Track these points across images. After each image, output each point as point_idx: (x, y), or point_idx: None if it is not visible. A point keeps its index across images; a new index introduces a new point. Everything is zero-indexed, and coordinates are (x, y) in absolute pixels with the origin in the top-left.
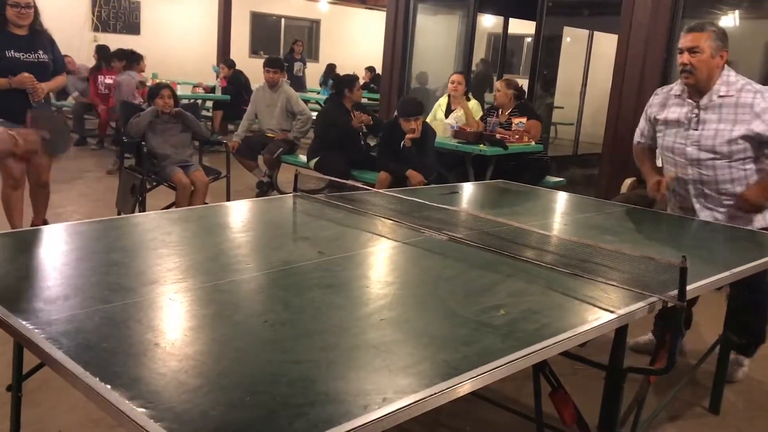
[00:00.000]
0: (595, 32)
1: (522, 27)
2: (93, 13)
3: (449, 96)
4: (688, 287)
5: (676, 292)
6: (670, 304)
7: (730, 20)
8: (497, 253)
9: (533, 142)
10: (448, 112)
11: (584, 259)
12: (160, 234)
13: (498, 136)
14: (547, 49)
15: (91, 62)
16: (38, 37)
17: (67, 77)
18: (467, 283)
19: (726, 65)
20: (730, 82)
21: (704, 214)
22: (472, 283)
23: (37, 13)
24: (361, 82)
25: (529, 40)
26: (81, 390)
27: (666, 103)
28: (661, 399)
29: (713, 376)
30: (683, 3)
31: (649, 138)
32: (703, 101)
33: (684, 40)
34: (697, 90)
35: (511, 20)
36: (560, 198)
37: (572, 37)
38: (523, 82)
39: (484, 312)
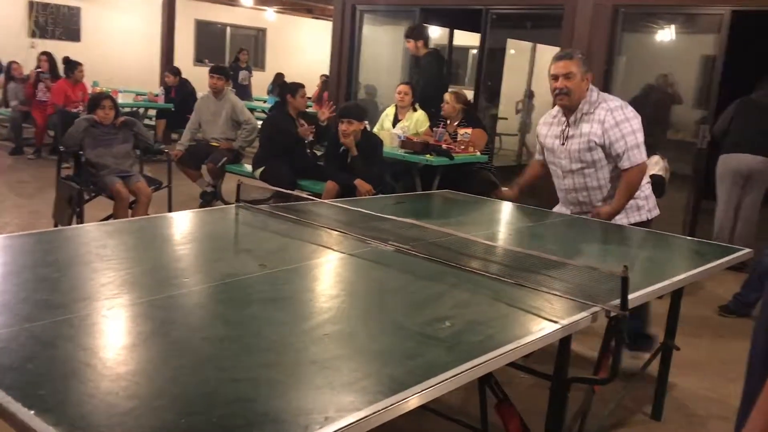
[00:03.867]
0: (538, 44)
1: (467, 39)
2: (30, 18)
3: (396, 106)
4: (630, 296)
5: (618, 301)
6: (612, 314)
7: (666, 34)
8: (443, 264)
9: (478, 152)
10: (396, 122)
11: (529, 269)
12: (95, 247)
13: (444, 146)
14: (491, 61)
15: (29, 69)
16: None
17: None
18: (413, 294)
19: (591, 85)
20: (591, 100)
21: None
22: (418, 295)
23: None
24: (315, 90)
25: (474, 51)
26: (2, 416)
27: (550, 124)
28: (604, 406)
29: (654, 383)
30: (621, 17)
31: (542, 154)
32: (571, 118)
33: (557, 68)
34: (570, 109)
35: (456, 32)
36: (504, 208)
37: (516, 49)
38: (468, 93)
39: (429, 324)
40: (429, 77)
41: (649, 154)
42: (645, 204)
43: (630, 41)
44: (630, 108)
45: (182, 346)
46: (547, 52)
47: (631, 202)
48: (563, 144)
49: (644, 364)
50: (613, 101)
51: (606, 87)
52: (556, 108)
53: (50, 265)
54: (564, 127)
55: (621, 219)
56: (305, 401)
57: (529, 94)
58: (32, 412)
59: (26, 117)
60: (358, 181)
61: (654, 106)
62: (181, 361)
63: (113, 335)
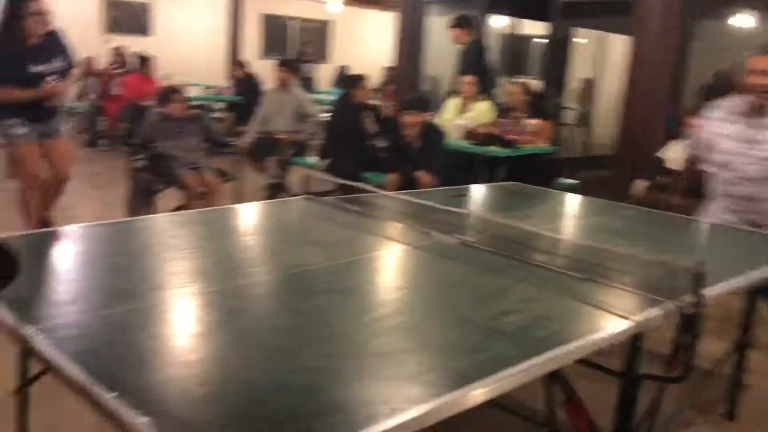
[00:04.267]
0: (607, 33)
1: (533, 28)
2: (104, 14)
3: (461, 97)
4: (705, 292)
5: (692, 297)
6: (686, 310)
7: (743, 20)
8: (508, 258)
9: (545, 144)
10: (460, 113)
11: (597, 263)
12: (166, 237)
13: (509, 137)
14: (558, 50)
15: (105, 64)
16: (52, 42)
17: (86, 79)
18: (477, 287)
19: None
20: None
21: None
22: (483, 288)
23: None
24: (381, 81)
25: (540, 40)
26: (83, 397)
27: (723, 121)
28: (674, 404)
29: (728, 381)
30: (696, 4)
31: (701, 149)
32: (766, 120)
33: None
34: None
35: (523, 21)
36: (571, 200)
37: (583, 38)
38: (534, 83)
39: (495, 318)
40: (467, 66)
41: None
42: None
43: (704, 28)
44: None
45: (250, 335)
46: (615, 41)
47: None
48: (751, 148)
49: (718, 361)
50: None
51: (677, 78)
52: (728, 104)
53: (124, 255)
54: (749, 128)
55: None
56: (370, 392)
57: (594, 85)
58: (112, 395)
59: (100, 110)
60: (419, 174)
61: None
62: (250, 350)
63: (184, 323)
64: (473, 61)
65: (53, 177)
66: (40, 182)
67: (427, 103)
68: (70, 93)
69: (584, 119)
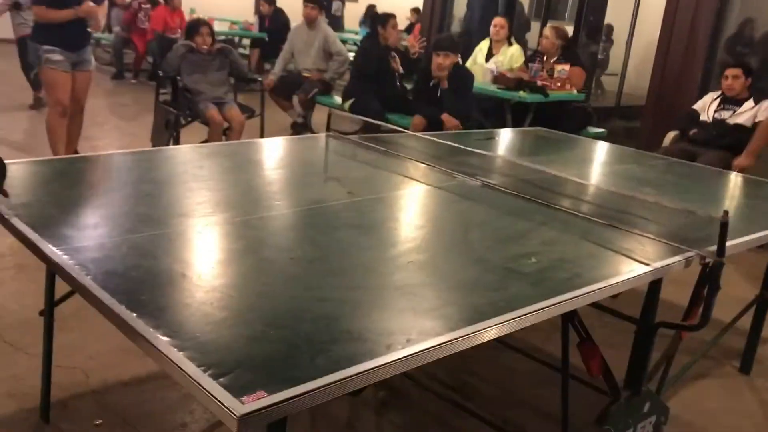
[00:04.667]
0: None
1: None
2: None
3: (491, 40)
4: (728, 243)
5: (714, 247)
6: (708, 260)
7: None
8: (531, 201)
9: (575, 91)
10: (489, 56)
11: (621, 210)
12: (191, 167)
13: (539, 82)
14: None
15: None
16: None
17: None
18: (499, 229)
19: None
20: None
21: None
22: (504, 230)
23: None
24: (406, 23)
25: None
26: (107, 316)
27: None
28: (690, 356)
29: (746, 335)
30: None
31: None
32: None
33: None
34: None
35: None
36: (600, 148)
37: None
38: (568, 29)
39: (514, 259)
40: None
41: (761, 99)
42: None
43: None
44: None
45: (272, 264)
46: None
47: None
48: None
49: (737, 316)
50: None
51: (717, 29)
52: None
53: (150, 182)
54: None
55: None
56: (388, 323)
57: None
58: (134, 314)
59: (127, 43)
60: (444, 116)
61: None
62: (271, 278)
63: (207, 250)
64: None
65: (72, 107)
66: (68, 110)
67: (457, 44)
68: (103, 17)
69: (617, 68)
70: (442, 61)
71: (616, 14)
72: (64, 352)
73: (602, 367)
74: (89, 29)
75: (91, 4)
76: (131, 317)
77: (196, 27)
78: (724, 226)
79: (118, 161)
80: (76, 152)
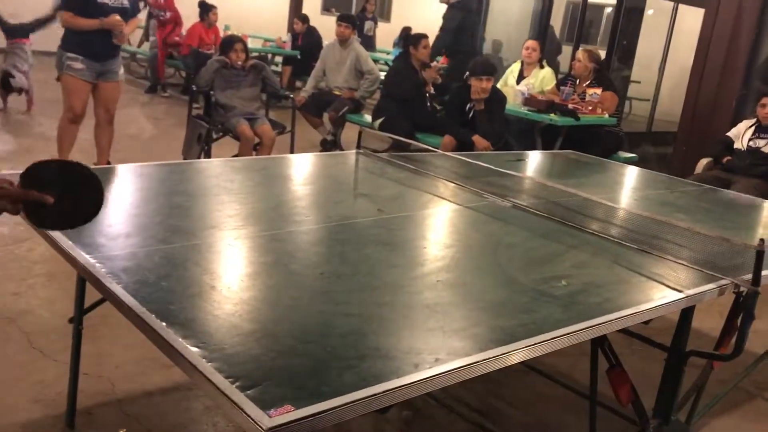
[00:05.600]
0: (680, 5)
1: None
2: None
3: (522, 62)
4: (764, 273)
5: (749, 276)
6: (742, 289)
7: None
8: (562, 224)
9: (606, 115)
10: (520, 78)
11: (653, 236)
12: (222, 181)
13: (570, 106)
14: (628, 21)
15: None
16: None
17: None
18: (529, 251)
19: None
20: None
21: None
22: (534, 252)
23: None
24: None
25: (609, 10)
26: (137, 325)
27: None
28: (721, 387)
29: None
30: None
31: None
32: None
33: None
34: None
35: None
36: (631, 173)
37: (655, 9)
38: (601, 54)
39: (544, 281)
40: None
41: None
42: None
43: None
44: None
45: (301, 278)
46: (689, 13)
47: None
48: None
49: None
50: None
51: (753, 57)
52: None
53: (182, 194)
54: None
55: None
56: (416, 341)
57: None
58: (164, 324)
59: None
60: (475, 138)
61: None
62: (300, 292)
63: (237, 263)
64: (456, 25)
65: (99, 116)
66: (80, 118)
67: (495, 67)
68: (130, 33)
69: (650, 93)
70: (485, 86)
71: (649, 39)
72: (91, 360)
73: (631, 394)
74: (114, 41)
75: (118, 17)
76: (161, 326)
77: (230, 43)
78: (760, 254)
79: (150, 173)
80: (109, 163)
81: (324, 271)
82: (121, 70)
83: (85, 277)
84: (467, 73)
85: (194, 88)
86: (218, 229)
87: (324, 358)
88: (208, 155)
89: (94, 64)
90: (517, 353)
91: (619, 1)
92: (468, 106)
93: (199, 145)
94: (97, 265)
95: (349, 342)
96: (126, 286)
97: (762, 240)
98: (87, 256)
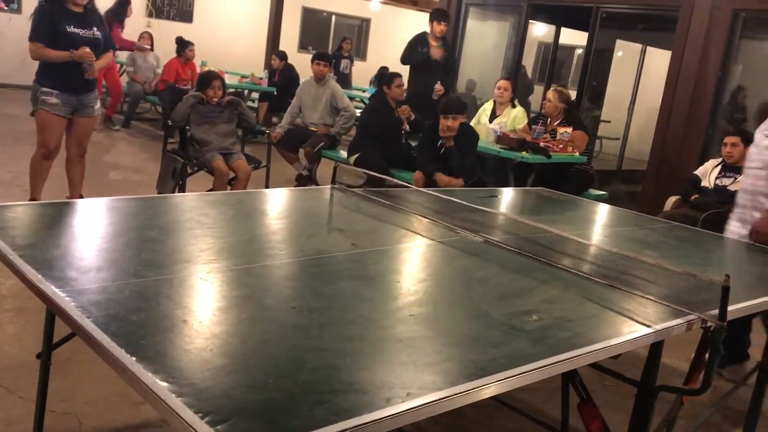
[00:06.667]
0: (648, 47)
1: (574, 37)
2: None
3: (494, 101)
4: (730, 308)
5: (716, 311)
6: (709, 324)
7: None
8: (533, 259)
9: (577, 153)
10: (493, 117)
11: (623, 271)
12: (196, 215)
13: (542, 144)
14: (598, 62)
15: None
16: (92, 14)
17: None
18: (501, 285)
19: None
20: None
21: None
22: (506, 287)
23: None
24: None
25: (579, 51)
26: (106, 360)
27: None
28: (691, 422)
29: (748, 403)
30: (741, 22)
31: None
32: None
33: None
34: None
35: (563, 30)
36: (601, 210)
37: (624, 51)
38: (571, 93)
39: (516, 316)
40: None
41: None
42: None
43: (748, 48)
44: None
45: (273, 312)
46: (657, 56)
47: None
48: None
49: (739, 382)
50: None
51: (718, 97)
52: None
53: (155, 228)
54: None
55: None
56: (389, 376)
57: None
58: (134, 358)
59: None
60: (437, 175)
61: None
62: (272, 326)
63: (209, 297)
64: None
65: (71, 150)
66: (53, 154)
67: (465, 106)
68: (103, 67)
69: (619, 132)
70: (451, 124)
71: (618, 80)
72: (59, 396)
73: (603, 429)
74: (85, 75)
75: (88, 49)
76: (130, 361)
77: (208, 80)
78: (725, 290)
79: (124, 206)
80: (81, 197)
81: (297, 305)
82: (98, 105)
83: (54, 312)
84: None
85: (170, 123)
86: (191, 263)
87: (296, 392)
88: (182, 190)
89: (70, 98)
90: (488, 387)
91: (590, 42)
92: (439, 142)
93: (174, 179)
94: (67, 298)
95: (321, 376)
96: (96, 320)
97: (727, 275)
98: (57, 290)
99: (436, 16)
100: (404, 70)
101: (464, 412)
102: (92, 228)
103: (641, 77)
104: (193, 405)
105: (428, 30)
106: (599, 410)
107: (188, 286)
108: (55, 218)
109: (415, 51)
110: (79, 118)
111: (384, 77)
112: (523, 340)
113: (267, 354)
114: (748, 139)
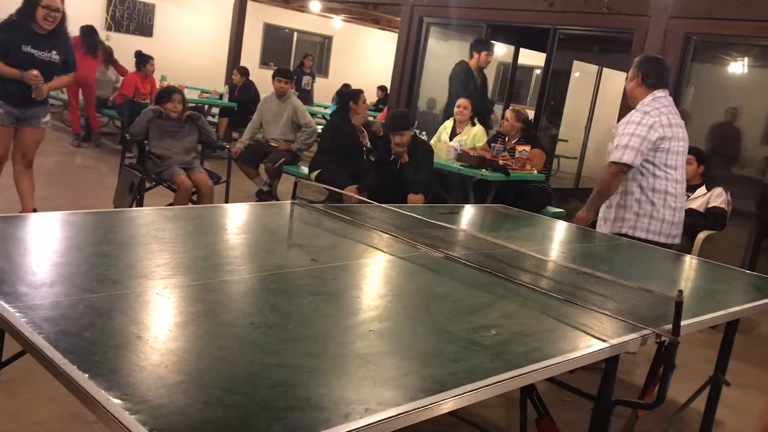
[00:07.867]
0: (604, 68)
1: (532, 58)
2: (107, 13)
3: (454, 120)
4: (683, 323)
5: (670, 326)
6: (663, 338)
7: (738, 66)
8: (492, 275)
9: (535, 171)
10: (453, 135)
11: (579, 287)
12: (153, 230)
13: (501, 162)
14: (556, 82)
15: None
16: (56, 37)
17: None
18: (460, 301)
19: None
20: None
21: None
22: (465, 302)
23: (63, 18)
24: (373, 100)
25: (538, 71)
26: (57, 377)
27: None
28: None
29: (701, 415)
30: (692, 46)
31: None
32: None
33: None
34: None
35: (522, 51)
36: (559, 226)
37: (581, 72)
38: (530, 113)
39: (474, 331)
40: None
41: (712, 186)
42: (631, 219)
43: (700, 71)
44: (642, 114)
45: (231, 328)
46: (613, 77)
47: (613, 211)
48: None
49: (692, 396)
50: (634, 112)
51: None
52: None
53: (111, 243)
54: None
55: (601, 227)
56: (347, 392)
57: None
58: (86, 375)
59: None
60: (348, 188)
61: (720, 140)
62: (229, 342)
63: (165, 313)
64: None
65: (16, 160)
66: (2, 163)
67: (410, 119)
68: (60, 87)
69: (577, 151)
70: (399, 141)
71: (576, 100)
72: (7, 416)
73: None
74: (33, 95)
75: (36, 72)
76: (83, 378)
77: (168, 94)
78: (678, 305)
79: (78, 221)
80: (35, 210)
81: (255, 321)
82: (46, 117)
83: (3, 328)
84: None
85: (128, 137)
86: (147, 279)
87: (252, 409)
88: (140, 204)
89: (15, 110)
90: (446, 402)
91: (547, 63)
92: (392, 157)
93: (132, 194)
94: (17, 314)
95: (278, 393)
96: (47, 336)
97: (680, 291)
98: (7, 306)
99: (484, 46)
100: (367, 90)
101: (423, 428)
102: (45, 242)
103: (598, 98)
104: (147, 423)
105: (468, 59)
106: (557, 425)
107: (144, 301)
108: (6, 232)
109: (469, 85)
110: (25, 128)
111: (349, 95)
112: (482, 355)
113: (223, 371)
114: (702, 158)
